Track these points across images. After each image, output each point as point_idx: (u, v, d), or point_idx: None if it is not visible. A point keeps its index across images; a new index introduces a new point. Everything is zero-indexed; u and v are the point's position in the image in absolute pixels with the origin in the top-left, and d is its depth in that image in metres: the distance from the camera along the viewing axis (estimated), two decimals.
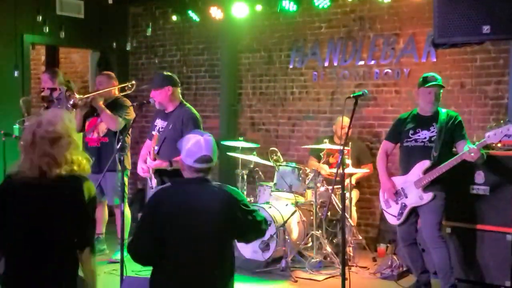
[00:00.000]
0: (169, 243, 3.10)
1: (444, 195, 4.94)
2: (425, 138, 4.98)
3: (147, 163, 5.08)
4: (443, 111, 5.05)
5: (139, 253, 3.18)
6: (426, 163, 4.92)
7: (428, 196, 4.91)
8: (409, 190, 5.03)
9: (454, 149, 5.07)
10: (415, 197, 4.98)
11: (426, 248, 5.16)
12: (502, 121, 5.43)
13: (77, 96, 5.82)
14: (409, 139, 5.07)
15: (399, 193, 5.10)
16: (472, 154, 4.67)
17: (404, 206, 5.06)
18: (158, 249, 3.11)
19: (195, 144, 3.19)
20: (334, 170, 6.05)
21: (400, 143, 5.20)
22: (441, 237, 4.95)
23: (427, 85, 4.98)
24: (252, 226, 3.28)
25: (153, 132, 5.22)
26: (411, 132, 5.07)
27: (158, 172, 5.03)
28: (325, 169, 6.48)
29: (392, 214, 5.17)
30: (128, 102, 6.11)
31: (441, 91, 5.05)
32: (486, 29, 3.82)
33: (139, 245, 3.17)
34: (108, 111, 5.84)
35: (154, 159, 5.01)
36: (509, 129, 4.51)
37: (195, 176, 3.21)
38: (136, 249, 3.18)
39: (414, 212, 5.06)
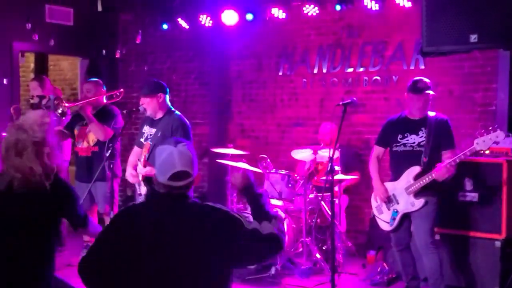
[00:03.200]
0: (136, 273, 2.62)
1: (435, 200, 4.91)
2: (413, 142, 4.94)
3: (138, 170, 5.06)
4: (432, 114, 5.00)
5: (90, 272, 2.73)
6: (416, 169, 4.89)
7: (420, 202, 4.87)
8: (400, 196, 5.00)
9: None
10: (406, 203, 4.95)
11: (418, 254, 5.14)
12: (490, 128, 5.46)
13: (66, 104, 5.80)
14: (397, 144, 5.03)
15: (391, 199, 5.07)
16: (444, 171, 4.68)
17: (396, 212, 5.03)
18: (114, 275, 2.66)
19: (167, 158, 2.69)
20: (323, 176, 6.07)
21: (389, 148, 5.16)
22: (433, 243, 4.92)
23: (417, 93, 4.93)
24: (254, 246, 2.72)
25: (142, 140, 5.21)
26: (399, 136, 5.03)
27: (148, 180, 5.01)
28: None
29: (384, 220, 5.14)
30: (116, 110, 6.09)
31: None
32: (473, 38, 3.85)
33: (94, 261, 2.74)
34: (96, 121, 5.80)
35: (145, 166, 4.99)
36: (498, 136, 4.52)
37: (171, 193, 2.71)
38: (90, 266, 2.74)
39: (407, 217, 5.03)
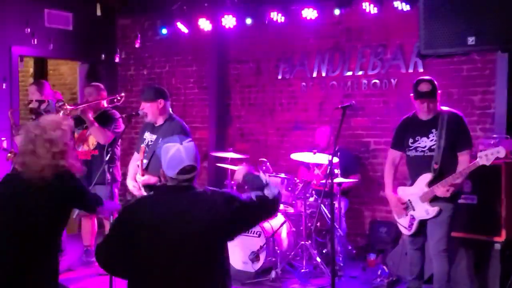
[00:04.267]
0: (149, 256, 2.91)
1: (451, 206, 4.77)
2: (424, 147, 4.81)
3: (137, 178, 5.04)
4: (444, 112, 4.81)
5: (105, 259, 3.04)
6: (428, 177, 4.77)
7: (434, 211, 4.75)
8: (415, 203, 4.87)
9: None
10: (422, 211, 4.82)
11: (429, 254, 5.03)
12: (495, 136, 5.45)
13: (67, 107, 5.80)
14: (410, 148, 4.90)
15: (408, 205, 4.94)
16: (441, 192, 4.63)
17: (413, 218, 4.91)
18: (128, 261, 2.94)
19: (175, 154, 3.01)
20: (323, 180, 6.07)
21: (404, 151, 5.02)
22: (445, 251, 4.80)
23: (419, 98, 4.77)
24: (255, 212, 3.15)
25: (141, 145, 5.20)
26: (410, 140, 4.90)
27: (149, 187, 5.00)
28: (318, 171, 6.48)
29: (403, 225, 5.01)
30: (116, 115, 6.10)
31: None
32: (471, 40, 3.87)
33: (108, 250, 3.02)
34: (97, 125, 5.81)
35: (143, 175, 4.97)
36: (500, 152, 4.42)
37: (179, 185, 3.02)
38: (104, 254, 3.03)
39: (425, 221, 4.90)
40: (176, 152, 3.00)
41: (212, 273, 3.00)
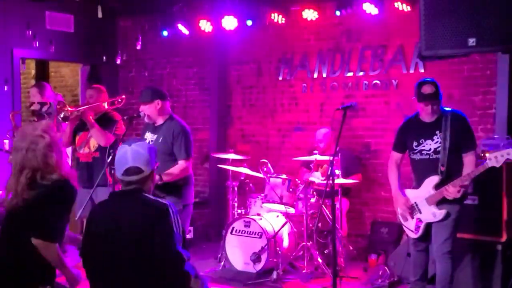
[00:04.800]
0: (95, 263, 3.04)
1: (457, 208, 4.73)
2: (429, 150, 4.76)
3: None
4: (447, 113, 4.77)
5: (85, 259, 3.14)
6: (435, 179, 4.72)
7: (441, 214, 4.70)
8: (422, 205, 4.82)
9: None
10: (428, 213, 4.78)
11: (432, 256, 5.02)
12: (496, 137, 5.43)
13: (68, 109, 5.80)
14: (414, 152, 4.86)
15: (414, 208, 4.88)
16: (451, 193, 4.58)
17: (419, 221, 4.85)
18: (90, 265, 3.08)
19: (121, 156, 3.06)
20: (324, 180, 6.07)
21: (408, 154, 4.99)
22: (449, 253, 4.75)
23: (422, 101, 4.72)
24: (162, 247, 2.93)
25: None
26: (414, 143, 4.84)
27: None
28: (318, 177, 6.48)
29: (409, 228, 4.95)
30: (117, 116, 6.10)
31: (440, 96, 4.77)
32: (472, 41, 3.85)
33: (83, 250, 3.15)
34: (98, 127, 5.81)
35: None
36: (510, 153, 4.40)
37: (127, 189, 3.06)
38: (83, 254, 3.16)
39: (431, 224, 4.85)
40: (124, 153, 3.05)
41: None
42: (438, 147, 4.73)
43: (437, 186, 4.71)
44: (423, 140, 4.81)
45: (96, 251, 3.02)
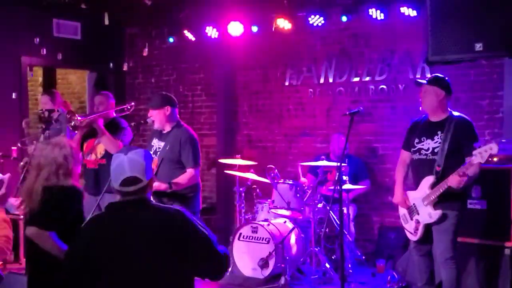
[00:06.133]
0: (106, 281, 2.73)
1: (455, 214, 4.68)
2: (427, 150, 4.75)
3: None
4: (454, 116, 4.73)
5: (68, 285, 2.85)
6: (430, 179, 4.69)
7: (436, 214, 4.67)
8: (419, 206, 4.80)
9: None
10: (425, 214, 4.75)
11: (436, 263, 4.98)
12: (503, 141, 5.39)
13: (78, 117, 5.80)
14: (414, 150, 4.85)
15: (412, 209, 4.88)
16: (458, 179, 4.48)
17: (418, 223, 4.83)
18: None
19: (117, 166, 2.83)
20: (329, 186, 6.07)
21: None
22: (452, 258, 4.72)
23: (416, 85, 4.81)
24: (206, 254, 2.84)
25: (153, 156, 5.22)
26: (416, 140, 4.83)
27: (158, 194, 5.02)
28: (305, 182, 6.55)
29: (409, 230, 4.95)
30: (124, 123, 6.10)
31: (443, 92, 4.75)
32: (478, 46, 3.86)
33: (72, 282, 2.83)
34: (109, 135, 5.79)
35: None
36: (492, 148, 4.37)
37: (130, 199, 2.83)
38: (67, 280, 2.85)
39: (430, 228, 4.83)
40: (119, 163, 2.83)
41: None
42: (437, 147, 4.71)
43: (433, 186, 4.69)
44: (424, 138, 4.80)
45: (108, 265, 2.74)
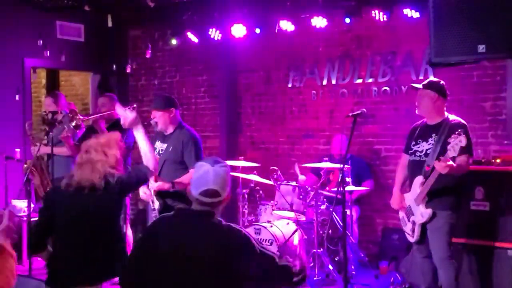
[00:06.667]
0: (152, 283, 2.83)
1: (446, 214, 4.71)
2: (422, 151, 4.81)
3: (150, 185, 5.08)
4: (450, 120, 4.80)
5: (124, 283, 3.01)
6: (419, 179, 4.75)
7: (426, 213, 4.72)
8: (413, 207, 4.86)
9: None
10: (418, 214, 4.80)
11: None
12: (506, 143, 5.42)
13: (80, 117, 5.84)
14: (411, 152, 4.91)
15: (408, 211, 4.92)
16: (443, 164, 4.43)
17: (414, 223, 4.87)
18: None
19: (203, 175, 2.87)
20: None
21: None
22: (449, 258, 4.75)
23: (413, 89, 4.92)
24: (264, 274, 2.85)
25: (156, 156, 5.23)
26: (413, 143, 4.91)
27: (161, 194, 5.03)
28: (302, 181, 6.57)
29: (407, 232, 4.99)
30: None
31: (437, 95, 4.81)
32: (481, 48, 3.85)
33: (125, 274, 3.03)
34: None
35: (156, 181, 5.00)
36: (461, 141, 4.40)
37: (199, 209, 2.88)
38: (123, 278, 3.04)
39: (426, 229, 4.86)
40: (205, 173, 2.88)
41: None
42: (430, 149, 4.76)
43: (422, 186, 4.72)
44: (420, 140, 4.87)
45: (154, 270, 2.83)
